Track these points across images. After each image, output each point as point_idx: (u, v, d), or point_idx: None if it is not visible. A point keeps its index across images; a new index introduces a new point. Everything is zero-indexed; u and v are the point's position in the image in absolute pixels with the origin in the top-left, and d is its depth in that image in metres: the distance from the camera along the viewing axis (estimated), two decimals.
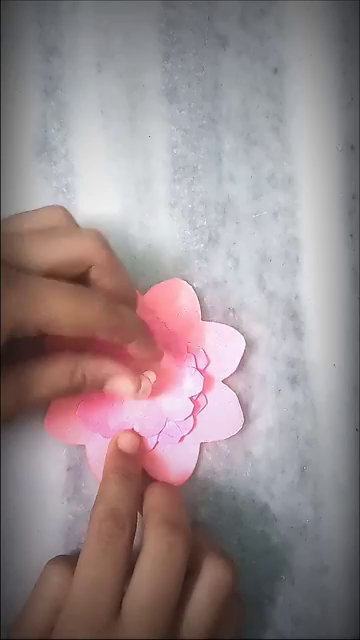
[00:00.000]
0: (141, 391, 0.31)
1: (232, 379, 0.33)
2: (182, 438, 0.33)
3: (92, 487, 0.33)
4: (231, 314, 0.34)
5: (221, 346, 0.33)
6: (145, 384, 0.31)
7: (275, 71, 0.35)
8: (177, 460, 0.33)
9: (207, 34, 0.34)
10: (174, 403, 0.33)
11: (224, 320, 0.34)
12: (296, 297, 0.35)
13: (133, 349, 0.30)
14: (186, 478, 0.33)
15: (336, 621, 0.34)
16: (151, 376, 0.31)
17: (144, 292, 0.33)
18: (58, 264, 0.27)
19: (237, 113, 0.34)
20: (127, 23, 0.34)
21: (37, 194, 0.34)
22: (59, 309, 0.26)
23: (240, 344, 0.33)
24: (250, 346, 0.34)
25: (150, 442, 0.33)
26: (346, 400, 0.35)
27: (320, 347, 0.34)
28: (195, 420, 0.33)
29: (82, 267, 0.28)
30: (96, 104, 0.34)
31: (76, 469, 0.33)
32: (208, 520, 0.34)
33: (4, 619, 0.32)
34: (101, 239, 0.28)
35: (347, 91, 0.35)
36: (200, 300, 0.34)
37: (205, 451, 0.34)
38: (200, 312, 0.33)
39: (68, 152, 0.34)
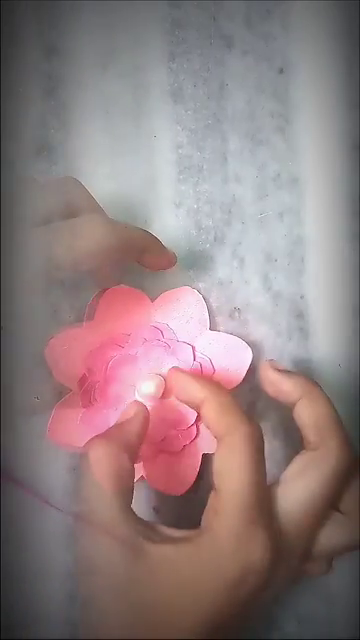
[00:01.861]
0: (155, 391, 0.31)
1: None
2: (184, 447, 0.32)
3: None
4: (236, 314, 0.34)
5: (228, 357, 0.33)
6: (158, 382, 0.31)
7: (280, 71, 0.35)
8: (178, 469, 0.33)
9: (212, 34, 0.34)
10: (177, 411, 0.32)
11: (229, 320, 0.34)
12: (301, 297, 0.35)
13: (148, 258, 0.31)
14: (186, 488, 0.32)
15: (341, 621, 0.34)
16: (158, 381, 0.32)
17: (153, 298, 0.33)
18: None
19: (242, 113, 0.34)
20: (132, 23, 0.34)
21: None
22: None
23: (247, 356, 0.33)
24: (255, 346, 0.34)
25: (152, 450, 0.32)
26: (351, 400, 0.35)
27: (325, 347, 0.35)
28: (198, 429, 0.33)
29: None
30: (100, 104, 0.34)
31: (77, 469, 0.33)
32: None
33: (4, 619, 0.32)
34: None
35: (352, 91, 0.35)
36: (206, 300, 0.34)
37: None
38: (209, 321, 0.33)
39: (68, 152, 0.34)
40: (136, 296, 0.33)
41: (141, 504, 0.34)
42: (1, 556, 0.32)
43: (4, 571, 0.32)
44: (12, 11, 0.34)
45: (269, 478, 0.34)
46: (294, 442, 0.35)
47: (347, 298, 0.35)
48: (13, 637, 0.32)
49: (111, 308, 0.33)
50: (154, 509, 0.34)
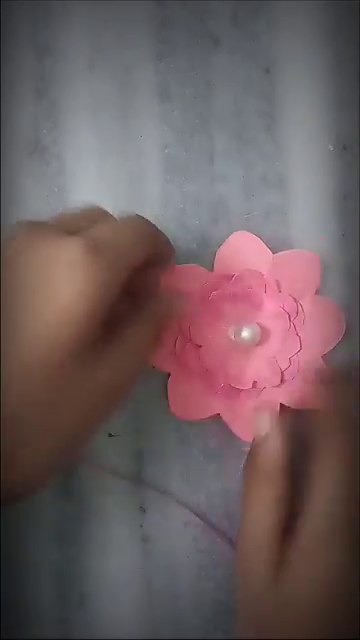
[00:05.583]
0: (251, 337, 0.32)
1: None
2: (263, 391, 0.33)
3: (89, 486, 0.33)
4: None
5: (323, 319, 0.33)
6: (256, 330, 0.32)
7: (267, 70, 0.34)
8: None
9: (199, 33, 0.34)
10: (266, 358, 0.33)
11: None
12: None
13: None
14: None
15: None
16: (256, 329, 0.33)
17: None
18: None
19: (229, 112, 0.34)
20: (119, 22, 0.34)
21: (29, 194, 0.34)
22: None
23: (340, 320, 0.33)
24: None
25: (234, 392, 0.33)
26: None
27: None
28: (283, 378, 0.33)
29: None
30: (88, 104, 0.34)
31: (74, 469, 0.33)
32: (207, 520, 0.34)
33: (4, 619, 0.32)
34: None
35: (339, 91, 0.34)
36: None
37: (199, 451, 0.34)
38: (318, 284, 0.34)
39: (60, 152, 0.34)
40: (257, 246, 0.33)
41: (128, 504, 0.34)
42: (1, 556, 0.33)
43: (3, 571, 0.33)
44: (4, 11, 0.34)
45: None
46: (291, 442, 0.34)
47: (334, 299, 0.34)
48: (8, 637, 0.32)
49: (234, 256, 0.33)
50: (141, 508, 0.34)
